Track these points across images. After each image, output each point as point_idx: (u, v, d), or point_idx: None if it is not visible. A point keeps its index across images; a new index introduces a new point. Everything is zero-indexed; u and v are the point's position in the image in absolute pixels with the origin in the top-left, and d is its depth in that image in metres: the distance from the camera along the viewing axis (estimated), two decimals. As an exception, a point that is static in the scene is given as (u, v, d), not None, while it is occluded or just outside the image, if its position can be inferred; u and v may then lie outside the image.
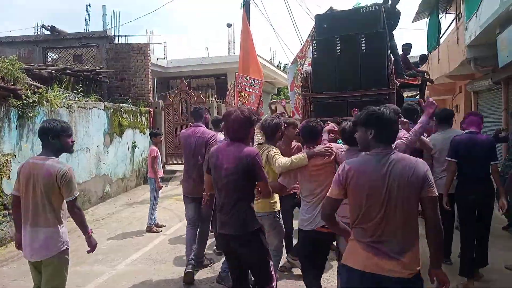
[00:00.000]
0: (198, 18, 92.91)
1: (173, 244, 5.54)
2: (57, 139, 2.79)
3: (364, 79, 7.35)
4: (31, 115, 6.10)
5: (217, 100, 13.01)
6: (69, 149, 2.92)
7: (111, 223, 6.90)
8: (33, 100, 6.06)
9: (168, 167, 11.56)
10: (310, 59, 8.64)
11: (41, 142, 2.85)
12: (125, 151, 9.85)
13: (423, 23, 14.22)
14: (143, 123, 10.94)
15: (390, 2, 8.87)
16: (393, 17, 8.77)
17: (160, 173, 6.48)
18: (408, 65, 9.35)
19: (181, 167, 11.92)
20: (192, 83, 18.16)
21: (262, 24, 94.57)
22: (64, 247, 2.80)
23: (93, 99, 9.21)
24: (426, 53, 13.57)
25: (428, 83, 9.76)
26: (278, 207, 3.59)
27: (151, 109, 11.48)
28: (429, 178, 2.05)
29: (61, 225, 2.81)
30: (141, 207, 8.04)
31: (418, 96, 12.77)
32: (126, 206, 8.32)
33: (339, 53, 7.72)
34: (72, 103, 7.58)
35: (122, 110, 9.68)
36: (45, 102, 6.47)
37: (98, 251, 5.20)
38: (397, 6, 8.99)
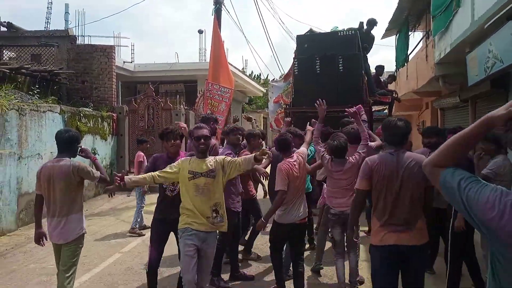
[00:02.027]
0: (169, 24, 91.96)
1: (129, 264, 5.06)
2: (77, 144, 3.46)
3: (341, 96, 7.88)
4: (-28, 117, 5.49)
5: (185, 107, 12.57)
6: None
7: (61, 238, 6.31)
8: (-26, 101, 5.46)
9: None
10: None
11: (60, 146, 3.39)
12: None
13: (392, 39, 14.49)
14: (105, 128, 10.33)
15: (365, 27, 9.56)
16: (368, 41, 9.51)
17: None
18: (380, 85, 10.16)
19: (144, 176, 11.45)
20: (160, 89, 17.59)
21: (234, 32, 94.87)
22: (82, 232, 3.38)
23: (50, 102, 8.58)
24: (394, 69, 14.00)
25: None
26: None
27: (114, 114, 10.89)
28: None
29: (80, 213, 3.38)
30: (96, 220, 7.46)
31: (386, 111, 13.13)
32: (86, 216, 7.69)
33: (318, 71, 8.51)
34: (23, 105, 6.96)
35: (81, 115, 9.07)
36: (-10, 103, 5.87)
37: (43, 271, 4.73)
38: (372, 32, 9.70)
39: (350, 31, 8.94)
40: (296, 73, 8.78)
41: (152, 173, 3.19)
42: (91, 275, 4.66)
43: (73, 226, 3.27)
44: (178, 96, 17.01)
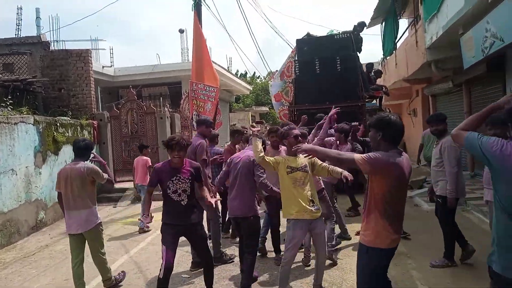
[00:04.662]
0: (149, 26, 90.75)
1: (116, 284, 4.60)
2: (91, 151, 4.23)
3: (340, 93, 8.88)
4: None
5: (170, 110, 12.07)
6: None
7: (41, 260, 5.78)
8: None
9: (117, 185, 10.43)
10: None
11: (77, 152, 4.12)
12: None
13: (376, 28, 14.17)
14: (85, 137, 9.76)
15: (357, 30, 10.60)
16: (359, 42, 10.50)
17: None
18: (371, 81, 10.88)
19: (131, 185, 10.88)
20: (143, 93, 17.01)
21: (218, 31, 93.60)
22: (99, 221, 4.15)
23: (24, 112, 8.02)
24: (381, 58, 13.94)
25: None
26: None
27: (95, 122, 10.34)
28: None
29: (94, 207, 4.12)
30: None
31: (374, 102, 13.06)
32: (64, 235, 7.14)
33: (318, 72, 9.59)
34: (-9, 118, 6.41)
35: (58, 124, 8.51)
36: (-49, 118, 5.32)
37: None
38: (360, 34, 10.71)
39: (346, 34, 10.09)
40: (298, 74, 9.80)
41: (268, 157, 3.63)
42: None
43: (90, 217, 4.02)
44: (162, 99, 16.47)
